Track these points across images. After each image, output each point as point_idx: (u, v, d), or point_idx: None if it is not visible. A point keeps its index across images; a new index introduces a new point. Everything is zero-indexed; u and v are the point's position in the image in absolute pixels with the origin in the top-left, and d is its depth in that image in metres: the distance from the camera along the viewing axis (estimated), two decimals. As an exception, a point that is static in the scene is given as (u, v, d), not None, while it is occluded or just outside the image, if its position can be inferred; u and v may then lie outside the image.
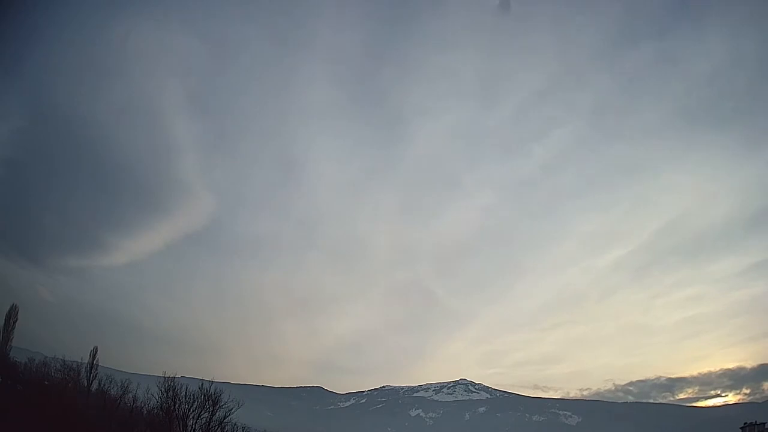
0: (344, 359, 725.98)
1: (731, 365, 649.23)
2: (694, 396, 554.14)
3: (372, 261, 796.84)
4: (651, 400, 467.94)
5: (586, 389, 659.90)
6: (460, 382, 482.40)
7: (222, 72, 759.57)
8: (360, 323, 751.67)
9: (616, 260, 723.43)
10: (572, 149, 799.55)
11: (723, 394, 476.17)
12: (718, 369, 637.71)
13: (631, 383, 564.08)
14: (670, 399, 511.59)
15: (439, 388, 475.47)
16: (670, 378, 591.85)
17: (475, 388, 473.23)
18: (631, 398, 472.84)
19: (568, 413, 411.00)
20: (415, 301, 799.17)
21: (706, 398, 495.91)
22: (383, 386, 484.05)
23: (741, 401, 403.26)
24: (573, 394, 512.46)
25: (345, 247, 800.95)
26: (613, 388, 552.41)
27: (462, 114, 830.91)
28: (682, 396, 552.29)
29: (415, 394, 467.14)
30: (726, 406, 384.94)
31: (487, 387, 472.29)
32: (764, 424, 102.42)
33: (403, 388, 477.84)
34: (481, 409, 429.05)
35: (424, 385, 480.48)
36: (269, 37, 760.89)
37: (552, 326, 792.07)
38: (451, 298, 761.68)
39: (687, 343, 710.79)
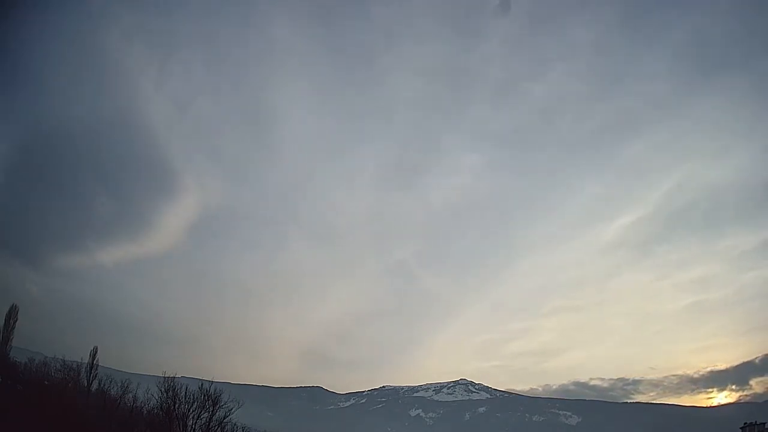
0: (334, 349, 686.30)
1: (737, 359, 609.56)
2: (696, 394, 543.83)
3: (354, 239, 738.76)
4: (651, 400, 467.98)
5: (585, 383, 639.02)
6: (460, 382, 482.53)
7: (175, 29, 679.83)
8: (347, 310, 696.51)
9: (621, 231, 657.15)
10: (571, 93, 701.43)
11: (726, 391, 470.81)
12: (722, 364, 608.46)
13: (631, 380, 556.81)
14: (670, 397, 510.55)
15: (439, 388, 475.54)
16: (670, 375, 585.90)
17: (475, 388, 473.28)
18: (631, 396, 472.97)
19: (568, 413, 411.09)
20: (402, 286, 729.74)
21: (707, 396, 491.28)
22: (383, 386, 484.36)
23: (741, 401, 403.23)
24: (572, 389, 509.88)
25: (324, 222, 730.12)
26: (614, 385, 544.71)
27: (440, 48, 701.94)
28: (681, 394, 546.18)
29: (415, 394, 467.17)
30: (725, 406, 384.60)
31: (487, 387, 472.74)
32: (764, 424, 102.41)
33: (403, 388, 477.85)
34: (481, 409, 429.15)
35: (424, 385, 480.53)
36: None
37: (551, 312, 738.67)
38: (440, 282, 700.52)
39: (691, 334, 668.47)
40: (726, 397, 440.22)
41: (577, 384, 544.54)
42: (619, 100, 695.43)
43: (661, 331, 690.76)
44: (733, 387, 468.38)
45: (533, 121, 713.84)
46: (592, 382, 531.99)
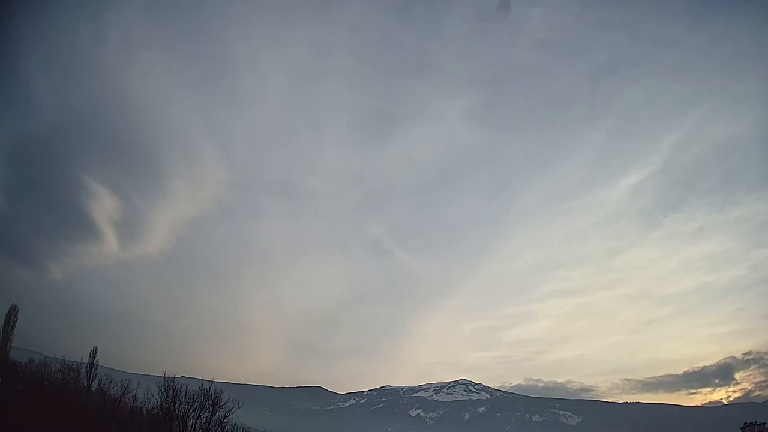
0: (320, 339, 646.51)
1: (743, 351, 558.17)
2: (699, 392, 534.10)
3: (329, 207, 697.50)
4: (652, 399, 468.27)
5: (585, 379, 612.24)
6: (460, 382, 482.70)
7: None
8: (329, 293, 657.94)
9: (626, 194, 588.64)
10: (569, 21, 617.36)
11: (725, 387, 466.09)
12: (724, 359, 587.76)
13: (632, 379, 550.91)
14: (671, 396, 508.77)
15: (439, 388, 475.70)
16: (672, 372, 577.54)
17: (475, 388, 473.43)
18: (632, 396, 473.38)
19: (568, 413, 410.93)
20: (384, 264, 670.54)
21: (708, 393, 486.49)
22: (383, 386, 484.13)
23: (741, 401, 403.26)
24: (572, 389, 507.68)
25: (297, 186, 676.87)
26: (614, 383, 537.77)
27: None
28: (682, 393, 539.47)
29: (415, 394, 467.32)
30: (726, 406, 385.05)
31: (488, 387, 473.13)
32: (764, 424, 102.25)
33: (403, 388, 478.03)
34: (481, 409, 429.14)
35: (424, 385, 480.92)
36: None
37: (548, 295, 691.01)
38: (427, 261, 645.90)
39: (696, 322, 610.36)
40: (731, 393, 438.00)
41: (576, 383, 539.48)
42: (619, 31, 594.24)
43: (667, 319, 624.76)
44: (719, 382, 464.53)
45: (527, 56, 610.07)
46: (592, 380, 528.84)
